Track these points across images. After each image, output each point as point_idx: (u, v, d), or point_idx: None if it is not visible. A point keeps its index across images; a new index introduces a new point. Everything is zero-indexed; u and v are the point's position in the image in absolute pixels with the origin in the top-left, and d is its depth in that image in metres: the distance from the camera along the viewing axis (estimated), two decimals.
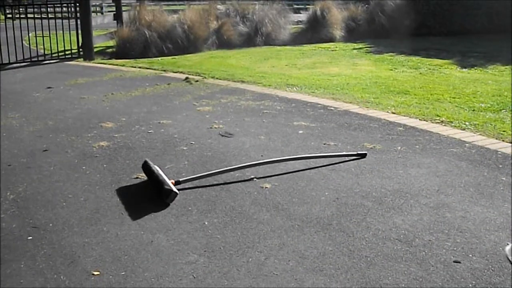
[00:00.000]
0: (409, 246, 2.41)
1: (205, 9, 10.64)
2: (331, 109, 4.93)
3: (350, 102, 5.22)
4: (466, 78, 6.62)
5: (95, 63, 8.44)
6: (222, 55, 9.00)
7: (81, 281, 2.14)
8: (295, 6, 13.65)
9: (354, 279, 2.14)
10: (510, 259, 2.34)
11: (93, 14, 11.52)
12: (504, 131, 4.17)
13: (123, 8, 10.61)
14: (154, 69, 7.52)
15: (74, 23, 8.89)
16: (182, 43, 9.63)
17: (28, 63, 8.36)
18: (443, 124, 4.42)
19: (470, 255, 2.32)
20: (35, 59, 8.70)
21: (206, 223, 2.64)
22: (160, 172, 3.09)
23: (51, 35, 8.94)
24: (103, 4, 18.98)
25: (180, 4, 16.19)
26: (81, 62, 8.52)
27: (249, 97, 5.48)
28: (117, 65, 8.13)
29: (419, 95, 5.52)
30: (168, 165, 3.42)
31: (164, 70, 7.37)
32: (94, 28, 9.34)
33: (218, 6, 11.00)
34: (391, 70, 7.32)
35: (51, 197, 2.97)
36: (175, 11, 11.42)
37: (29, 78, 6.92)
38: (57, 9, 10.45)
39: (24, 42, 9.59)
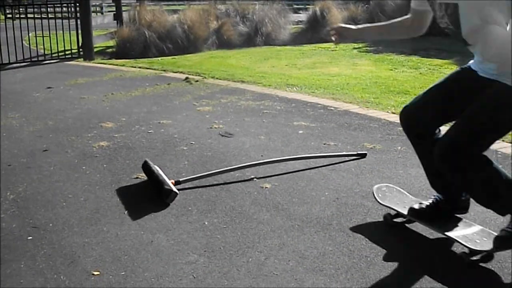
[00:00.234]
0: (409, 246, 2.40)
1: (205, 9, 10.64)
2: (331, 109, 4.93)
3: (350, 102, 5.22)
4: None
5: (95, 63, 8.44)
6: (222, 55, 9.00)
7: (81, 281, 2.14)
8: (295, 6, 13.66)
9: (354, 279, 2.14)
10: (375, 197, 2.65)
11: (93, 14, 11.52)
12: None
13: (123, 8, 10.62)
14: (154, 69, 7.52)
15: (74, 23, 8.89)
16: (182, 43, 9.63)
17: (28, 63, 8.36)
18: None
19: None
20: (35, 59, 8.70)
21: (206, 223, 2.64)
22: (160, 172, 3.09)
23: (51, 35, 8.94)
24: (103, 4, 18.98)
25: (180, 4, 16.19)
26: (81, 62, 8.52)
27: (249, 97, 5.48)
28: (117, 65, 8.13)
29: None
30: (168, 165, 3.42)
31: (164, 70, 7.37)
32: (94, 28, 9.34)
33: (218, 6, 11.01)
34: (391, 70, 7.32)
35: (51, 197, 2.97)
36: (175, 11, 11.42)
37: (29, 78, 6.92)
38: (57, 9, 10.45)
39: (24, 42, 9.58)
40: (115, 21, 10.08)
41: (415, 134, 2.40)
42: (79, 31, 8.72)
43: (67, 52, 9.00)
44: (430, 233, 2.49)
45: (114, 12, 10.40)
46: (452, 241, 2.32)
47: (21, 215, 2.75)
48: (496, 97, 2.08)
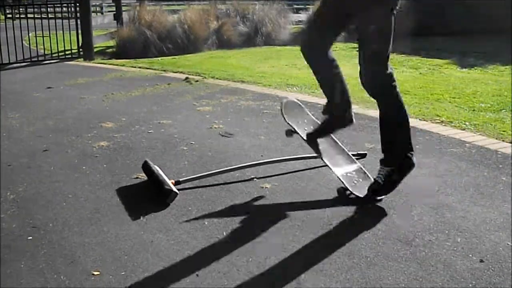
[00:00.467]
0: (409, 246, 2.41)
1: (205, 9, 10.64)
2: None
3: None
4: (466, 78, 6.62)
5: (95, 63, 8.44)
6: (222, 55, 9.00)
7: (81, 281, 2.14)
8: (295, 6, 13.64)
9: (354, 279, 2.14)
10: (283, 112, 2.90)
11: (93, 14, 11.52)
12: (504, 131, 4.17)
13: (123, 8, 10.61)
14: (154, 69, 7.52)
15: (74, 23, 8.89)
16: (182, 43, 9.62)
17: (28, 63, 8.35)
18: (443, 124, 4.42)
19: (470, 255, 2.32)
20: (35, 59, 8.70)
21: (206, 223, 2.64)
22: (160, 172, 3.09)
23: (51, 35, 8.94)
24: (103, 4, 18.98)
25: (180, 4, 16.17)
26: (81, 62, 8.52)
27: (249, 97, 5.48)
28: (117, 65, 8.13)
29: (419, 95, 5.52)
30: (168, 165, 3.42)
31: (164, 70, 7.37)
32: (94, 28, 9.33)
33: (218, 6, 11.00)
34: None
35: (51, 197, 2.97)
36: (175, 11, 11.41)
37: (29, 78, 6.92)
38: (57, 9, 10.45)
39: (24, 42, 9.58)
40: (115, 21, 10.08)
41: None
42: (79, 31, 8.72)
43: (67, 52, 9.00)
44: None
45: (114, 12, 10.40)
46: None
47: (21, 215, 2.75)
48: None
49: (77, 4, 8.78)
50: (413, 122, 4.45)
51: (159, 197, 2.89)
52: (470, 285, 2.11)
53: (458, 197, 2.93)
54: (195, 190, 3.04)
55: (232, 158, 3.58)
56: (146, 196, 2.99)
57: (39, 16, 9.60)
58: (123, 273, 2.20)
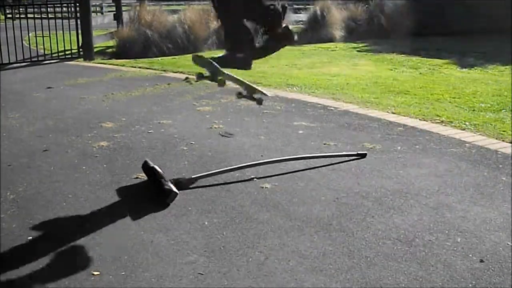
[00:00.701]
0: (409, 246, 2.41)
1: (205, 9, 10.63)
2: (331, 109, 4.93)
3: (350, 102, 5.22)
4: (466, 78, 6.63)
5: (95, 63, 8.44)
6: None
7: (81, 281, 2.14)
8: (295, 6, 13.64)
9: (354, 279, 2.14)
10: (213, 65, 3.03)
11: (93, 14, 11.52)
12: (504, 131, 4.17)
13: (123, 8, 10.61)
14: (154, 69, 7.52)
15: (74, 23, 8.89)
16: (182, 43, 9.62)
17: (28, 63, 8.35)
18: (443, 124, 4.42)
19: (470, 255, 2.32)
20: (35, 59, 8.70)
21: (206, 223, 2.64)
22: (160, 172, 3.09)
23: (51, 35, 8.94)
24: (103, 4, 18.98)
25: (180, 4, 16.17)
26: (81, 62, 8.52)
27: None
28: (117, 65, 8.13)
29: (419, 95, 5.52)
30: (168, 165, 3.42)
31: (164, 70, 7.37)
32: (94, 28, 9.33)
33: None
34: (391, 70, 7.32)
35: (51, 197, 2.97)
36: (175, 11, 11.41)
37: (29, 78, 6.92)
38: (57, 9, 10.45)
39: (24, 42, 9.58)
40: (115, 21, 10.08)
41: None
42: (79, 31, 8.71)
43: (67, 52, 9.00)
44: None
45: (114, 12, 10.40)
46: None
47: (21, 215, 2.75)
48: None
49: (77, 4, 8.78)
50: (413, 122, 4.48)
51: (159, 197, 2.89)
52: (470, 285, 2.11)
53: (458, 197, 2.93)
54: (195, 190, 3.04)
55: (232, 158, 3.58)
56: (146, 196, 2.99)
57: (39, 16, 9.60)
58: (123, 273, 2.20)
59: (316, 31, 11.03)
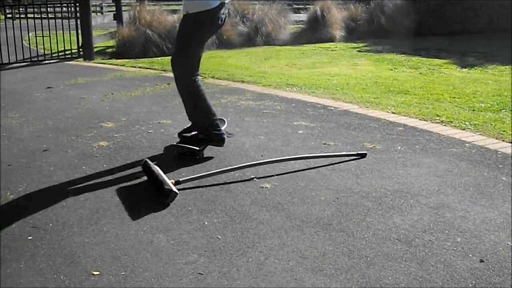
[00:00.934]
0: (409, 246, 2.41)
1: None
2: (331, 109, 4.93)
3: (350, 102, 5.22)
4: (466, 78, 6.63)
5: (95, 63, 8.44)
6: (222, 55, 9.00)
7: (81, 281, 2.14)
8: (295, 6, 13.66)
9: (354, 279, 2.14)
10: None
11: (93, 14, 11.53)
12: (504, 131, 4.17)
13: (123, 8, 10.63)
14: (154, 69, 7.53)
15: (74, 23, 8.89)
16: None
17: (28, 63, 8.36)
18: (443, 124, 4.42)
19: (470, 255, 2.32)
20: (35, 59, 8.70)
21: (206, 223, 2.64)
22: (160, 172, 3.09)
23: (51, 35, 8.94)
24: (103, 4, 19.00)
25: (180, 4, 16.18)
26: (81, 62, 8.53)
27: (249, 97, 5.48)
28: (117, 65, 8.13)
29: (419, 95, 5.52)
30: (168, 165, 3.42)
31: (164, 70, 7.37)
32: (94, 28, 9.34)
33: None
34: (391, 70, 7.32)
35: (51, 197, 2.97)
36: (175, 11, 11.41)
37: (29, 78, 6.92)
38: (57, 9, 10.45)
39: (24, 42, 9.59)
40: (115, 21, 10.08)
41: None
42: (79, 31, 8.72)
43: (67, 52, 9.01)
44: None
45: (114, 12, 10.41)
46: None
47: (21, 215, 2.75)
48: (181, 23, 3.51)
49: (77, 4, 8.79)
50: (413, 122, 4.48)
51: (159, 197, 2.89)
52: (470, 285, 2.11)
53: (458, 197, 2.93)
54: (195, 190, 3.04)
55: (232, 158, 3.58)
56: (146, 196, 2.99)
57: (39, 16, 9.61)
58: (123, 273, 2.20)
59: (316, 31, 11.04)
